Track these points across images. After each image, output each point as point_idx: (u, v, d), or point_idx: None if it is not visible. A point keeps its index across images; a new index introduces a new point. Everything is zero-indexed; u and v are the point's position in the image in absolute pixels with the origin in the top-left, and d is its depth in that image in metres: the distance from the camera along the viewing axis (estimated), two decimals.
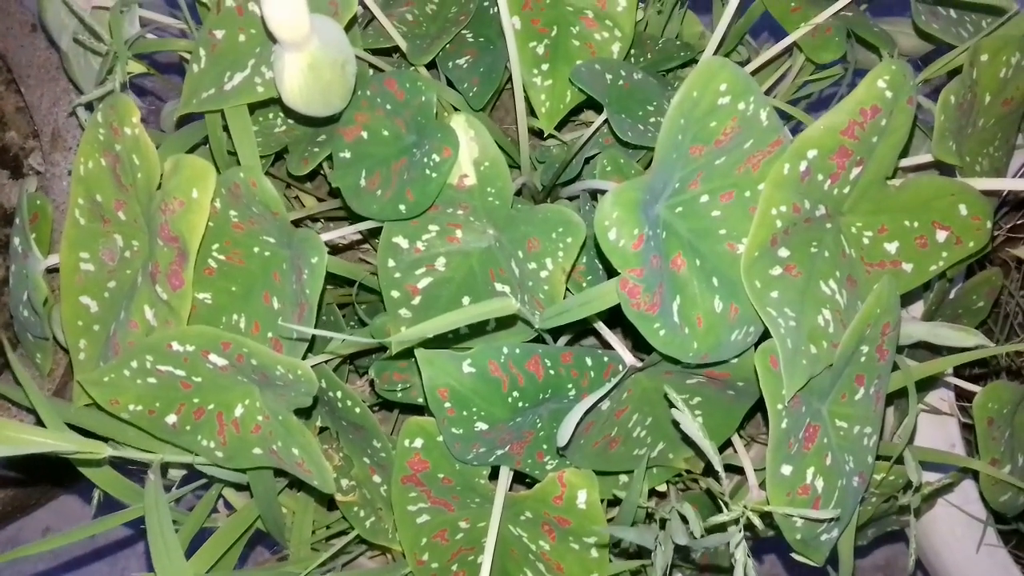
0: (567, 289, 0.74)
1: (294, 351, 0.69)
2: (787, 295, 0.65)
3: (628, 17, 0.86)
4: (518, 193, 0.86)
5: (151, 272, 0.70)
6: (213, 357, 0.68)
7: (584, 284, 0.80)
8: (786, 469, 0.64)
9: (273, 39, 0.64)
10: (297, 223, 0.98)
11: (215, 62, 0.77)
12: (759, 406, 0.73)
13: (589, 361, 0.72)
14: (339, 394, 0.78)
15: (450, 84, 0.89)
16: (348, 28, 0.70)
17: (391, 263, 0.77)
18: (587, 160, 0.91)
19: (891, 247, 0.71)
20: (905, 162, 0.79)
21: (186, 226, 0.66)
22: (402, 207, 0.71)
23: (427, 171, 0.70)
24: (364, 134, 0.75)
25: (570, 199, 0.89)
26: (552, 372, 0.70)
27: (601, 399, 0.68)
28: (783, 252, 0.65)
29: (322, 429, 0.86)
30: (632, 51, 0.94)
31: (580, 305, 0.65)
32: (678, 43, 0.95)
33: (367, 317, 0.91)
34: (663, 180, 0.63)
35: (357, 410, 0.78)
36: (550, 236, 0.71)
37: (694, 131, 0.62)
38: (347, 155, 0.75)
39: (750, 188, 0.66)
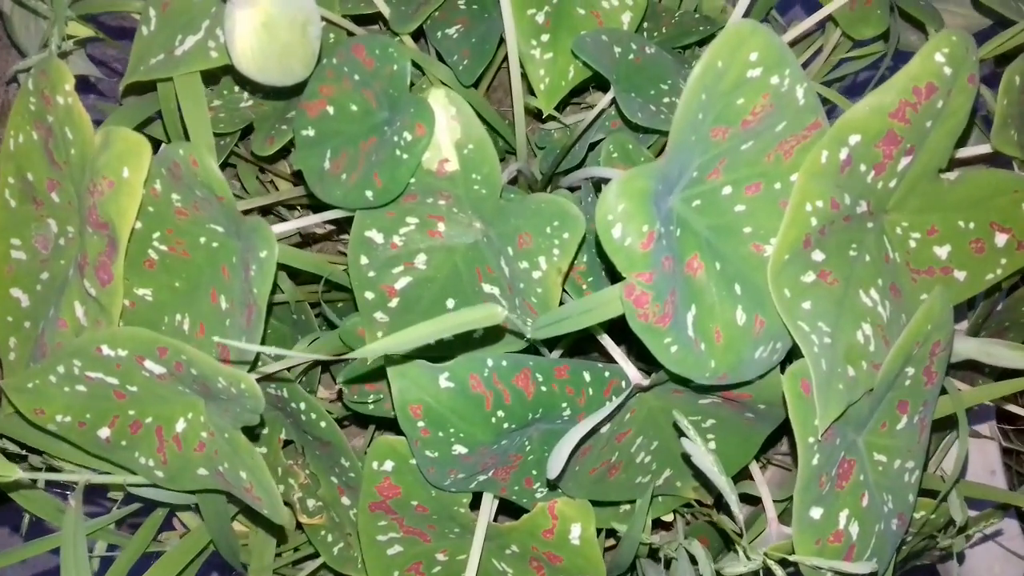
0: (564, 291, 0.64)
1: (243, 358, 0.59)
2: (821, 306, 0.55)
3: None
4: (513, 182, 0.76)
5: (79, 263, 0.60)
6: (149, 364, 0.58)
7: (584, 286, 0.69)
8: (816, 512, 0.54)
9: None
10: (269, 209, 0.89)
11: (166, 24, 0.67)
12: (782, 425, 0.63)
13: (587, 376, 0.62)
14: (303, 405, 0.69)
15: (441, 59, 0.80)
16: None
17: (364, 260, 0.67)
18: (591, 146, 0.81)
19: (942, 251, 0.61)
20: (958, 154, 0.68)
21: (116, 210, 0.56)
22: (369, 193, 0.62)
23: (397, 152, 0.60)
24: (330, 109, 0.65)
25: (571, 189, 0.79)
26: (544, 389, 0.61)
27: (601, 423, 0.58)
28: (818, 255, 0.55)
29: (287, 442, 0.77)
30: (645, 24, 0.83)
31: (579, 314, 0.55)
32: (697, 16, 0.85)
33: (341, 315, 0.81)
34: (679, 167, 0.53)
35: (323, 424, 0.68)
36: (544, 231, 0.61)
37: (718, 109, 0.52)
38: (310, 133, 0.65)
39: (781, 179, 0.56)
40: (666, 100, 0.73)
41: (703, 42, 0.85)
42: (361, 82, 0.64)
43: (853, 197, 0.56)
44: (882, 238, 0.60)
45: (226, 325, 0.60)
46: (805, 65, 0.85)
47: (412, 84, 0.63)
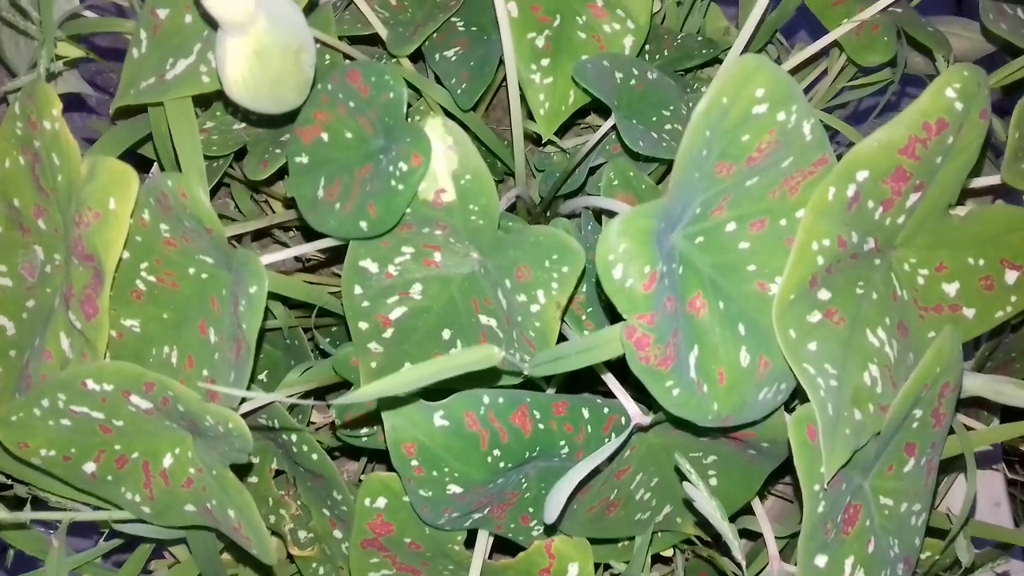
0: (563, 321, 0.62)
1: (231, 395, 0.57)
2: (828, 347, 0.53)
3: (643, 6, 0.74)
4: (512, 208, 0.75)
5: (65, 294, 0.59)
6: (135, 399, 0.57)
7: (583, 316, 0.68)
8: (821, 560, 0.53)
9: (212, 22, 0.53)
10: (264, 232, 0.87)
11: (157, 46, 0.66)
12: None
13: (586, 413, 0.60)
14: (294, 437, 0.67)
15: (440, 81, 0.78)
16: (309, 10, 0.59)
17: (358, 290, 0.65)
18: (592, 170, 0.79)
19: (950, 288, 0.60)
20: (968, 183, 0.67)
21: (101, 243, 0.54)
22: (363, 224, 0.60)
23: (392, 182, 0.59)
24: (324, 136, 0.63)
25: (570, 216, 0.77)
26: (541, 426, 0.59)
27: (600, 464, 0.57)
28: (824, 294, 0.54)
29: (278, 472, 0.75)
30: (647, 47, 0.82)
31: (577, 353, 0.53)
32: (700, 39, 0.83)
33: (336, 340, 0.80)
34: (681, 204, 0.52)
35: (315, 456, 0.67)
36: (542, 264, 0.60)
37: (722, 145, 0.51)
38: (304, 160, 0.64)
39: (786, 215, 0.54)
40: (668, 127, 0.72)
41: (706, 65, 0.84)
42: (356, 109, 0.62)
43: (860, 234, 0.55)
44: (889, 275, 0.58)
45: (215, 358, 0.59)
46: (808, 89, 0.83)
47: (409, 106, 0.61)
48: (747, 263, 0.54)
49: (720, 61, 0.85)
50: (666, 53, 0.84)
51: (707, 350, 0.52)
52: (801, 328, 0.52)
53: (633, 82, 0.72)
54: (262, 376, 0.79)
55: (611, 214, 0.63)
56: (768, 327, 0.52)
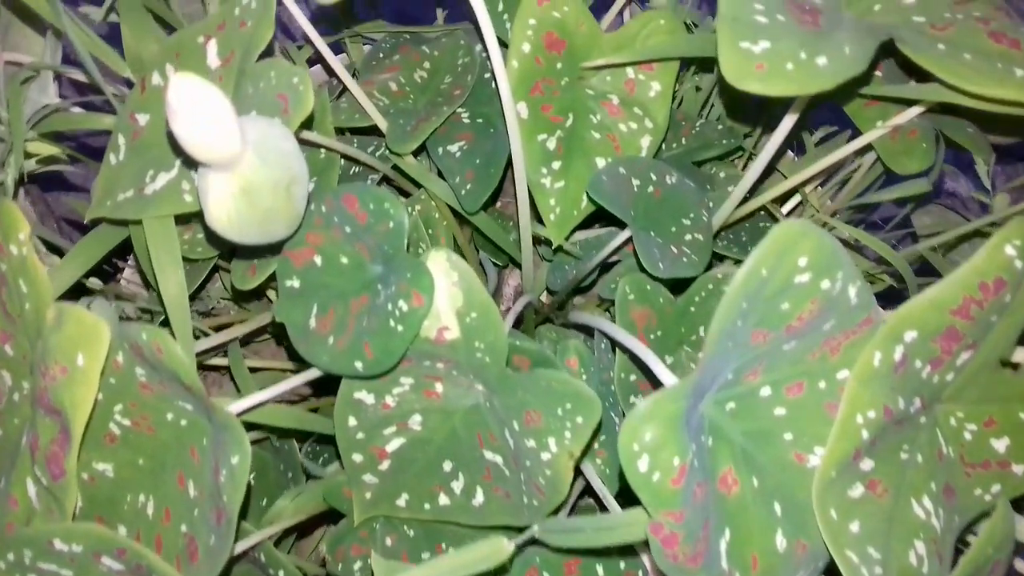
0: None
1: (212, 561, 0.52)
2: (870, 525, 0.48)
3: (662, 105, 0.69)
4: (517, 323, 0.69)
5: (31, 443, 0.53)
6: (107, 560, 0.52)
7: (596, 445, 0.63)
8: None
9: (191, 162, 0.47)
10: (257, 335, 0.82)
11: (136, 154, 0.60)
12: None
13: (600, 571, 0.55)
14: (281, 573, 0.62)
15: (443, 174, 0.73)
16: (300, 130, 0.54)
17: (352, 422, 0.60)
18: (606, 267, 0.74)
19: (1000, 444, 0.55)
20: None
21: (69, 400, 0.49)
22: (358, 364, 0.55)
23: (391, 321, 0.53)
24: (317, 259, 0.58)
25: (580, 327, 0.72)
26: None
27: None
28: (866, 464, 0.49)
29: None
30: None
31: (595, 531, 0.48)
32: (720, 127, 0.78)
33: (325, 455, 0.75)
34: (712, 375, 0.46)
35: None
36: (555, 411, 0.55)
37: (759, 314, 0.46)
38: (295, 284, 0.58)
39: (826, 377, 0.49)
40: (688, 237, 0.66)
41: (726, 156, 0.79)
42: (353, 234, 0.57)
43: (907, 397, 0.50)
44: (935, 432, 0.53)
45: (194, 515, 0.53)
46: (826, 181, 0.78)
47: (411, 236, 0.56)
48: (783, 431, 0.49)
49: (743, 149, 0.80)
50: (684, 141, 0.79)
51: (740, 534, 0.47)
52: (842, 506, 0.47)
53: (651, 189, 0.67)
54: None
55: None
56: (806, 503, 0.47)
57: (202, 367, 0.80)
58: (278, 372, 0.81)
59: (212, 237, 0.56)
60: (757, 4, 0.49)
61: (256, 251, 0.60)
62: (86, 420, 0.49)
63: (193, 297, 0.75)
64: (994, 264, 0.48)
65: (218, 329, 0.79)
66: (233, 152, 0.47)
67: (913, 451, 0.52)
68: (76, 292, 0.76)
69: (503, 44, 0.74)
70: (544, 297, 0.83)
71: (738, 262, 0.78)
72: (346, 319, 0.56)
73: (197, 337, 0.76)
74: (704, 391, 0.47)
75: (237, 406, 0.55)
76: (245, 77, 0.56)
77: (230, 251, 0.70)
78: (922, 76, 0.56)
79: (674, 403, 0.43)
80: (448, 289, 0.54)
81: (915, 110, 0.65)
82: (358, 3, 0.83)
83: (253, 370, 0.78)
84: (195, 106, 0.43)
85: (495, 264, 0.85)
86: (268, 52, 0.56)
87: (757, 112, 0.79)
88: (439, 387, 0.60)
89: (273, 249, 0.59)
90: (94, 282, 0.79)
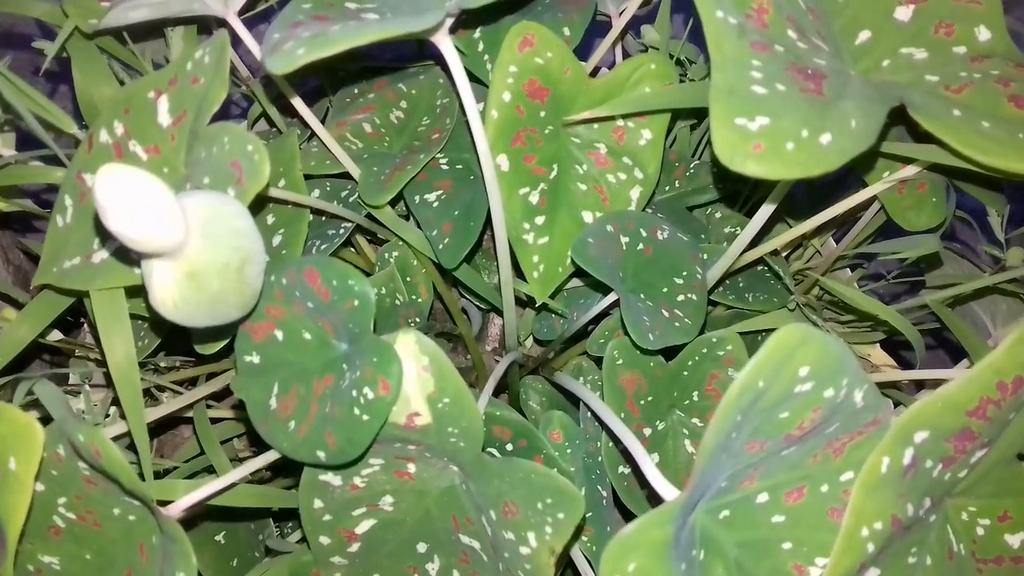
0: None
1: None
2: None
3: (654, 154, 0.65)
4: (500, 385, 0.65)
5: None
6: None
7: (585, 539, 0.59)
8: None
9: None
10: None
11: (84, 218, 0.56)
12: None
13: None
14: None
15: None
16: (266, 187, 0.49)
17: (318, 504, 0.56)
18: (594, 320, 0.70)
19: (1014, 540, 0.51)
20: None
21: (2, 507, 0.45)
22: (321, 454, 0.51)
23: (356, 410, 0.49)
24: (278, 334, 0.53)
25: (561, 388, 0.68)
26: None
27: None
28: (872, 574, 0.45)
29: None
30: None
31: None
32: (715, 170, 0.74)
33: (290, 527, 0.71)
34: (704, 488, 0.42)
35: None
36: (534, 505, 0.50)
37: (755, 425, 0.41)
38: (255, 360, 0.54)
39: (828, 480, 0.45)
40: (681, 298, 0.62)
41: (722, 200, 0.74)
42: (316, 310, 0.52)
43: (916, 502, 0.45)
44: (945, 529, 0.49)
45: None
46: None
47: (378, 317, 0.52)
48: (782, 540, 0.45)
49: (740, 192, 0.75)
50: (676, 184, 0.75)
51: None
52: None
53: (641, 247, 0.62)
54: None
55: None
56: None
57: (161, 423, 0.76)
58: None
59: (157, 321, 0.51)
60: (754, 72, 0.44)
61: (213, 329, 0.55)
62: (21, 527, 0.45)
63: (157, 351, 0.71)
64: (1014, 362, 0.43)
65: (183, 383, 0.75)
66: (175, 241, 0.42)
67: (922, 553, 0.48)
68: (35, 351, 0.72)
69: (484, 84, 0.69)
70: (531, 341, 0.79)
71: (731, 308, 0.74)
72: (308, 402, 0.52)
73: (156, 396, 0.72)
74: (695, 503, 0.42)
75: (189, 499, 0.51)
76: (198, 140, 0.51)
77: None
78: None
79: (660, 528, 0.39)
80: (418, 374, 0.50)
81: (925, 161, 0.61)
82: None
83: (215, 420, 0.74)
84: (128, 201, 0.38)
85: (479, 308, 0.81)
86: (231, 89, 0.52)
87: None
88: (411, 467, 0.56)
89: (232, 325, 0.54)
90: (54, 335, 0.75)
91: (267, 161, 0.48)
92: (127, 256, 0.52)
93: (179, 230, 0.42)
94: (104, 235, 0.52)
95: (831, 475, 0.45)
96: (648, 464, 0.47)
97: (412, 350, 0.50)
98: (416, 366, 0.50)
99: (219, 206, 0.46)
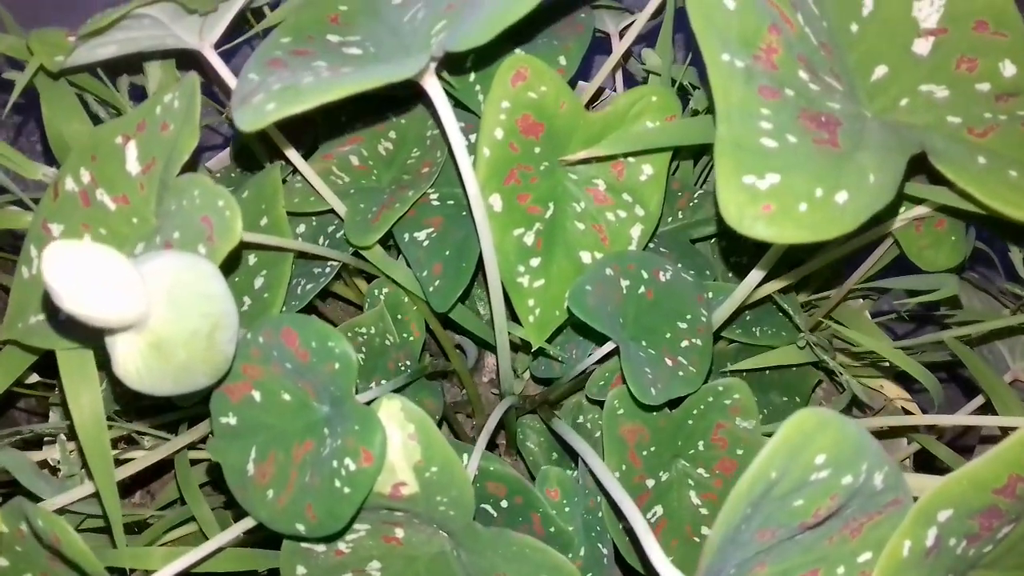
0: None
1: None
2: None
3: (655, 190, 0.61)
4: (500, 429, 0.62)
5: None
6: None
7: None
8: None
9: None
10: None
11: None
12: None
13: None
14: None
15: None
16: (236, 249, 0.46)
17: (301, 570, 0.53)
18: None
19: None
20: None
21: None
22: (300, 527, 0.48)
23: (337, 482, 0.46)
24: (256, 395, 0.50)
25: (558, 437, 0.64)
26: None
27: None
28: None
29: None
30: None
31: None
32: (716, 212, 0.70)
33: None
34: None
35: None
36: None
37: (766, 513, 0.38)
38: (231, 421, 0.51)
39: (845, 562, 0.42)
40: (685, 343, 0.59)
41: (725, 235, 0.71)
42: (294, 371, 0.49)
43: None
44: None
45: None
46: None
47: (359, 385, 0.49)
48: None
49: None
50: (680, 215, 0.71)
51: None
52: None
53: (643, 290, 0.59)
54: None
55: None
56: None
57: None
58: None
59: (122, 391, 0.48)
60: (763, 122, 0.40)
61: (183, 396, 0.52)
62: None
63: (134, 397, 0.68)
64: None
65: (163, 427, 0.72)
66: (136, 314, 0.39)
67: None
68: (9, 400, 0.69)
69: (476, 115, 0.66)
70: (528, 376, 0.76)
71: (735, 341, 0.70)
72: (288, 470, 0.49)
73: (138, 441, 0.68)
74: None
75: (168, 572, 0.48)
76: (168, 191, 0.48)
77: None
78: None
79: None
80: (404, 443, 0.47)
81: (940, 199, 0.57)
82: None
83: (195, 462, 0.70)
84: (80, 281, 0.35)
85: (474, 342, 0.77)
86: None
87: None
88: (399, 532, 0.53)
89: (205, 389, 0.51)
90: (32, 377, 0.72)
91: (239, 217, 0.45)
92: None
93: (139, 303, 0.39)
94: (57, 313, 0.49)
95: (848, 557, 0.42)
96: (649, 539, 0.43)
97: (397, 417, 0.46)
98: (402, 434, 0.47)
99: (186, 269, 0.42)
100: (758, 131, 0.41)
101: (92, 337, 0.49)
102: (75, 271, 0.35)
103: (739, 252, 0.72)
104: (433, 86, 0.50)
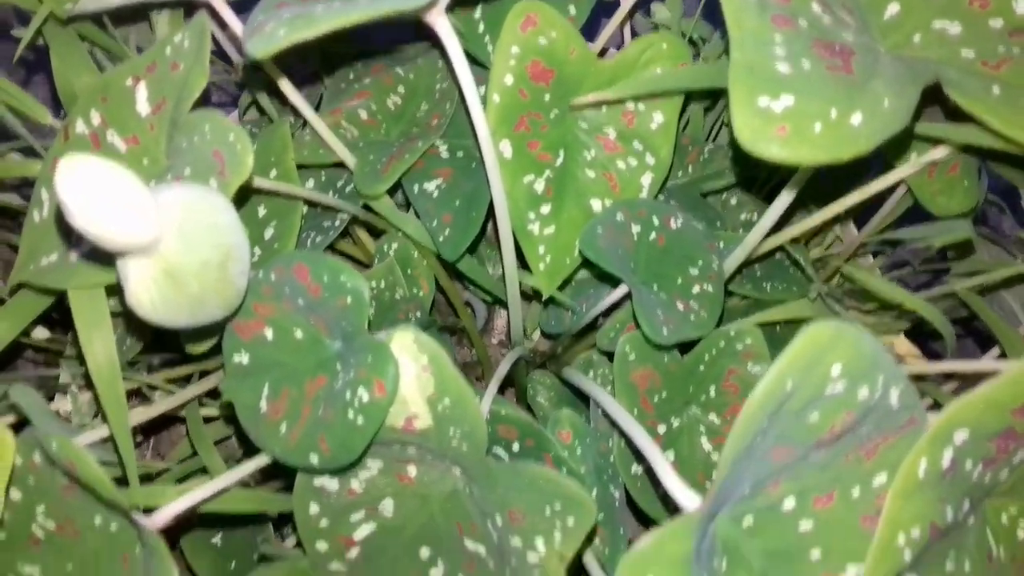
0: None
1: None
2: None
3: (666, 138, 0.61)
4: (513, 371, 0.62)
5: None
6: None
7: (597, 541, 0.56)
8: None
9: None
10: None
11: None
12: None
13: None
14: None
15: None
16: (247, 198, 0.46)
17: (314, 508, 0.53)
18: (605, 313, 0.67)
19: None
20: None
21: None
22: (314, 458, 0.48)
23: (350, 413, 0.46)
24: (268, 333, 0.50)
25: (569, 384, 0.64)
26: None
27: None
28: None
29: None
30: None
31: None
32: (731, 154, 0.70)
33: (287, 531, 0.68)
34: (725, 497, 0.39)
35: None
36: (542, 511, 0.47)
37: (781, 429, 0.38)
38: (243, 360, 0.51)
39: (861, 484, 0.42)
40: (696, 289, 0.59)
41: (738, 185, 0.71)
42: (306, 307, 0.49)
43: (956, 504, 0.42)
44: (984, 532, 0.46)
45: None
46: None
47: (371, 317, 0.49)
48: (810, 547, 0.41)
49: (757, 177, 0.71)
50: (690, 169, 0.71)
51: None
52: None
53: (654, 236, 0.59)
54: None
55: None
56: None
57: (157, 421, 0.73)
58: None
59: (136, 323, 0.48)
60: (777, 48, 0.40)
61: (198, 329, 0.52)
62: None
63: (146, 350, 0.68)
64: None
65: (177, 380, 0.72)
66: (148, 238, 0.39)
67: (960, 557, 0.44)
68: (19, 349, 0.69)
69: (485, 67, 0.66)
70: (538, 335, 0.76)
71: (746, 297, 0.70)
72: (300, 405, 0.49)
73: (147, 395, 0.69)
74: (715, 513, 0.39)
75: (177, 507, 0.48)
76: (179, 129, 0.48)
77: None
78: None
79: (680, 542, 0.36)
80: (417, 374, 0.47)
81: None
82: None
83: (211, 419, 0.71)
84: (93, 196, 0.35)
85: (484, 301, 0.77)
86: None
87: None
88: (412, 471, 0.53)
89: (219, 324, 0.51)
90: (39, 332, 0.72)
91: (250, 151, 0.45)
92: (104, 254, 0.49)
93: (151, 226, 0.39)
94: (71, 235, 0.49)
95: (863, 478, 0.42)
96: (665, 468, 0.43)
97: (410, 349, 0.46)
98: (415, 366, 0.47)
99: (198, 200, 0.42)
100: (772, 57, 0.40)
101: (105, 264, 0.49)
102: (89, 186, 0.35)
103: (749, 207, 0.72)
104: (442, 25, 0.50)
